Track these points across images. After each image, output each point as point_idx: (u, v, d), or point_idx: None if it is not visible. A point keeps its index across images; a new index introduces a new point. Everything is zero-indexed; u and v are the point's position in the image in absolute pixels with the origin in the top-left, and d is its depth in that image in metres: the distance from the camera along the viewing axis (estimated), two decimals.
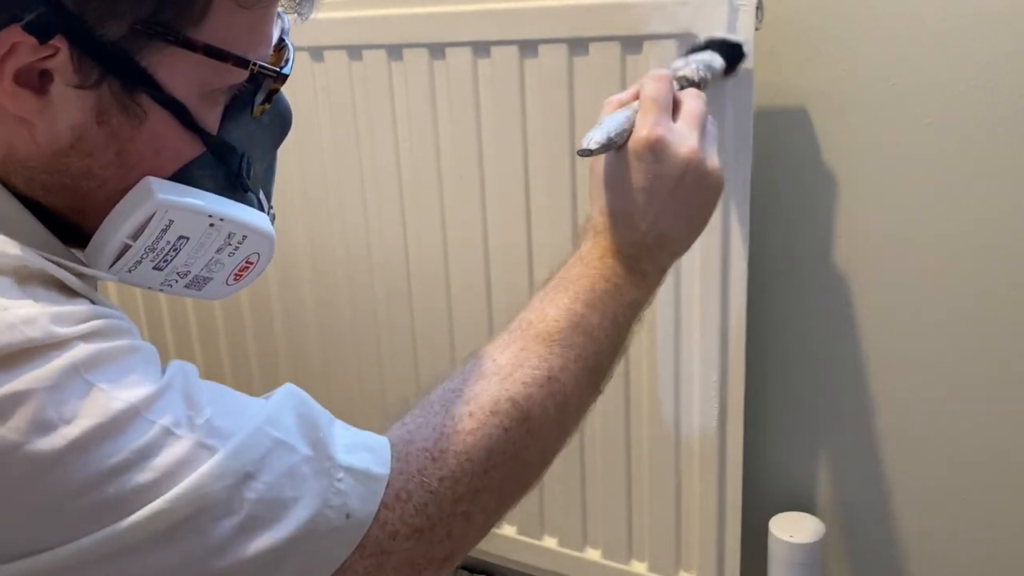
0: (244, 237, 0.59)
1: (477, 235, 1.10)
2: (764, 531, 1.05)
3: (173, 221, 0.54)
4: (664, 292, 1.00)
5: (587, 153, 0.70)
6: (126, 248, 0.54)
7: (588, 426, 1.10)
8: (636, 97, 0.74)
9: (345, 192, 1.18)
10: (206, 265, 0.59)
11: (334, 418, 0.56)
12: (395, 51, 1.08)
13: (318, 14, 1.00)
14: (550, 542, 1.19)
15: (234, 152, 0.58)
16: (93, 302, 0.52)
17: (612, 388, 1.06)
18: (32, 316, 0.47)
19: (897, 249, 0.97)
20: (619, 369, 1.05)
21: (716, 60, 0.83)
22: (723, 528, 1.04)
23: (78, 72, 0.50)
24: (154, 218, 0.54)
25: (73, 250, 0.57)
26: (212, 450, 0.49)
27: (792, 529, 1.03)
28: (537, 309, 0.68)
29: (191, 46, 0.51)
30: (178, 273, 0.58)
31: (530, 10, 0.98)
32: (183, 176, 0.56)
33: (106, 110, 0.51)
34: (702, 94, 0.76)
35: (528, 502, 1.18)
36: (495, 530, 1.30)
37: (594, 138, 0.69)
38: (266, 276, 1.29)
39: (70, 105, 0.51)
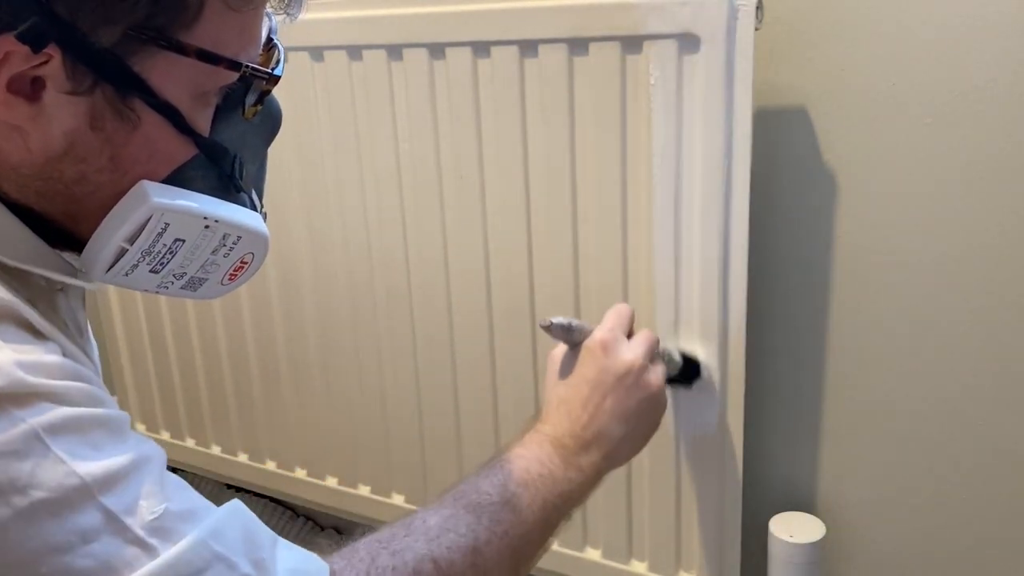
0: (239, 238, 0.59)
1: (477, 235, 1.10)
2: (764, 531, 1.05)
3: (169, 224, 0.55)
4: (664, 291, 1.00)
5: (547, 327, 0.82)
6: (123, 252, 0.55)
7: None
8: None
9: (345, 192, 1.18)
10: (202, 266, 0.59)
11: (277, 537, 0.57)
12: (395, 51, 1.08)
13: (318, 14, 1.00)
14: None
15: (226, 153, 0.58)
16: (64, 352, 0.52)
17: None
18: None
19: (897, 249, 0.97)
20: None
21: (676, 354, 0.95)
22: (723, 528, 1.04)
23: (71, 79, 0.50)
24: (150, 221, 0.54)
25: (67, 255, 0.57)
26: (152, 553, 0.48)
27: (792, 529, 1.03)
28: (472, 482, 0.72)
29: (183, 50, 0.51)
30: (174, 275, 0.58)
31: (530, 10, 0.98)
32: (176, 179, 0.56)
33: (99, 115, 0.51)
34: (655, 334, 0.88)
35: None
36: None
37: (557, 319, 0.83)
38: (266, 276, 1.29)
39: (63, 111, 0.51)
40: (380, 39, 1.08)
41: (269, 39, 0.59)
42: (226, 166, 0.58)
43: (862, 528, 1.07)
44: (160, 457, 0.53)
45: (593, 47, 0.96)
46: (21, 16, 0.47)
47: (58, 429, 0.47)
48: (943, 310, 0.96)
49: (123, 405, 1.53)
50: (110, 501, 0.47)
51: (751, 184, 0.92)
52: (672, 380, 0.96)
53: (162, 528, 0.49)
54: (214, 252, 0.58)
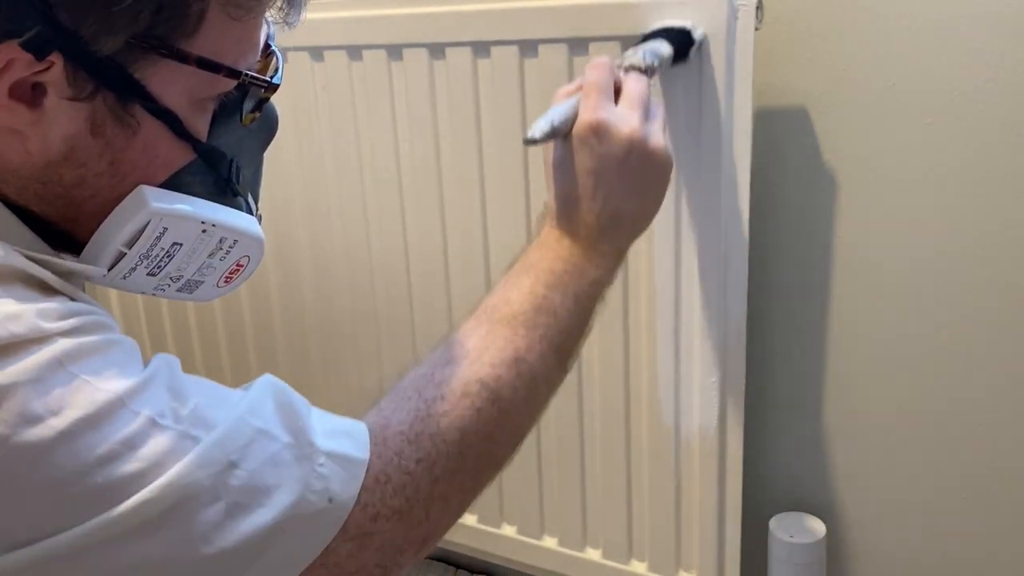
0: (235, 241, 0.60)
1: (477, 235, 1.10)
2: (764, 531, 1.05)
3: (167, 229, 0.55)
4: (664, 292, 1.00)
5: (532, 142, 0.72)
6: (121, 256, 0.55)
7: (588, 426, 1.10)
8: (580, 86, 0.76)
9: (345, 192, 1.18)
10: (198, 269, 0.60)
11: (311, 406, 0.58)
12: (395, 51, 1.08)
13: (318, 14, 1.00)
14: (550, 542, 1.19)
15: (224, 158, 0.59)
16: (74, 299, 0.53)
17: (612, 388, 1.06)
18: (17, 312, 0.47)
19: (897, 249, 0.97)
20: (619, 369, 1.05)
21: (664, 47, 0.84)
22: (723, 528, 1.04)
23: (72, 85, 0.50)
24: (148, 226, 0.55)
25: (64, 255, 0.57)
26: (196, 440, 0.50)
27: (792, 529, 1.03)
28: (500, 294, 0.70)
29: (184, 58, 0.52)
30: (171, 278, 0.59)
31: (530, 10, 0.98)
32: (174, 183, 0.56)
33: (100, 121, 0.52)
34: (643, 77, 0.78)
35: (528, 502, 1.18)
36: (495, 530, 1.29)
37: (539, 127, 0.72)
38: (266, 276, 1.29)
39: (64, 117, 0.51)
40: (380, 39, 1.08)
41: (267, 45, 0.60)
42: (223, 170, 0.59)
43: (862, 528, 1.08)
44: (177, 362, 0.54)
45: (593, 47, 0.95)
46: (25, 24, 0.47)
47: (77, 356, 0.48)
48: (943, 310, 0.96)
49: None
50: (143, 407, 0.49)
51: (751, 184, 0.92)
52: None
53: (199, 419, 0.51)
54: (211, 255, 0.59)
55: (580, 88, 0.76)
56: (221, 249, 0.59)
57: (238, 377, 1.37)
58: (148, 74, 0.52)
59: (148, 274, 0.57)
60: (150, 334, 1.46)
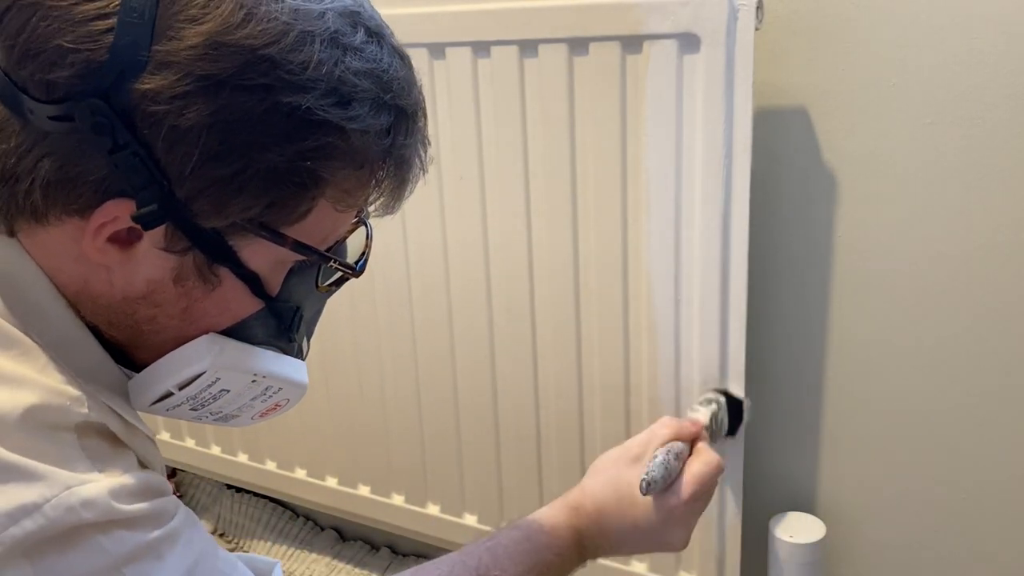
0: (280, 388, 0.62)
1: (477, 235, 1.10)
2: (764, 531, 1.05)
3: (220, 379, 0.58)
4: (664, 292, 1.00)
5: (651, 492, 0.80)
6: (169, 394, 0.58)
7: (588, 426, 1.10)
8: (693, 436, 0.87)
9: None
10: (239, 407, 0.62)
11: None
12: None
13: None
14: None
15: (290, 309, 0.61)
16: (139, 455, 0.56)
17: (612, 388, 1.06)
18: (92, 499, 0.49)
19: (897, 249, 0.97)
20: (619, 369, 1.05)
21: (725, 420, 0.97)
22: (723, 528, 1.04)
23: (167, 239, 0.52)
24: (203, 376, 0.57)
25: (121, 367, 0.60)
26: None
27: (792, 529, 1.03)
28: (498, 561, 0.77)
29: (281, 241, 0.54)
30: (211, 413, 0.61)
31: (530, 10, 0.98)
32: (237, 326, 0.59)
33: (184, 274, 0.54)
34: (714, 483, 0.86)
35: (528, 502, 1.18)
36: (495, 530, 1.29)
37: (657, 482, 0.79)
38: None
39: (151, 262, 0.53)
40: None
41: (359, 213, 0.61)
42: (287, 319, 0.61)
43: (862, 528, 1.08)
44: (211, 544, 0.57)
45: (593, 47, 0.96)
46: (142, 194, 0.49)
47: (133, 558, 0.51)
48: (942, 310, 0.96)
49: None
50: None
51: (751, 184, 0.92)
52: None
53: None
54: (253, 399, 0.62)
55: (692, 436, 0.87)
56: (265, 394, 0.62)
57: None
58: (242, 245, 0.54)
59: (191, 409, 0.60)
60: None
